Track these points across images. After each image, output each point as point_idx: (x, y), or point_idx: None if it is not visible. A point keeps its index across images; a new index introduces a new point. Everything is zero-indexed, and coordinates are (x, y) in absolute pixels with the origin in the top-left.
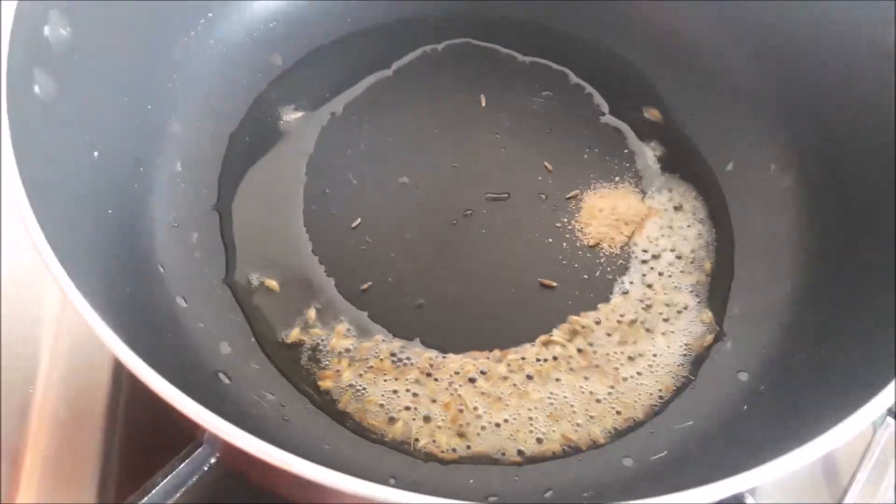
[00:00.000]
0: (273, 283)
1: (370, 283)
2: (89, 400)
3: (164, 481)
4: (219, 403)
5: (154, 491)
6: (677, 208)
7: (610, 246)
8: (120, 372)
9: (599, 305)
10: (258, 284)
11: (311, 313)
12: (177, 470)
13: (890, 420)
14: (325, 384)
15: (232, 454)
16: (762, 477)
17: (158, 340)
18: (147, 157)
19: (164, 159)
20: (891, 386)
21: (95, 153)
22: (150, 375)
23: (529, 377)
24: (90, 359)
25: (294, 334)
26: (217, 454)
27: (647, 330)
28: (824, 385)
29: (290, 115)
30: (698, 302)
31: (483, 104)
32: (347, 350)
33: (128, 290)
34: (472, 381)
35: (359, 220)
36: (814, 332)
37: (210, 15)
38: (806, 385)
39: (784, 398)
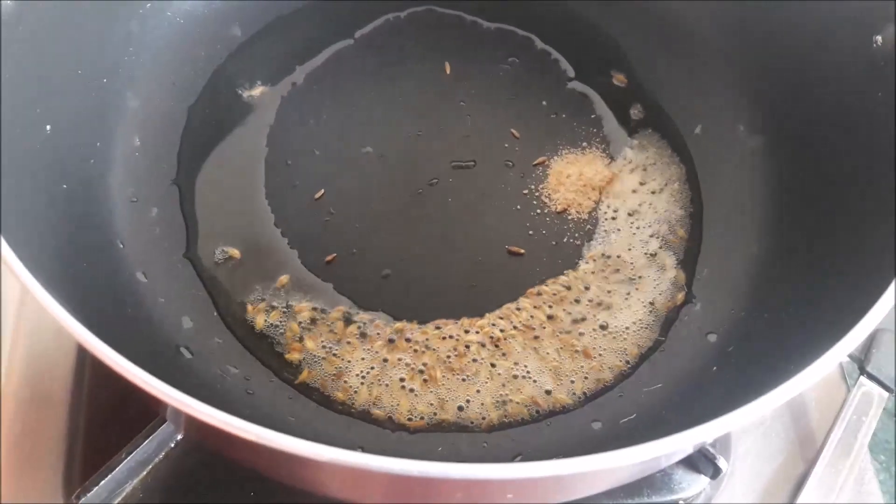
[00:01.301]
0: (235, 255)
1: (335, 254)
2: (53, 381)
3: (128, 458)
4: (181, 378)
5: (118, 468)
6: (645, 172)
7: (577, 212)
8: (84, 352)
9: (567, 271)
10: (220, 258)
11: (275, 286)
12: (141, 447)
13: (864, 380)
14: (291, 356)
15: (196, 429)
16: (725, 426)
17: (119, 317)
18: (104, 131)
19: (122, 134)
20: (849, 337)
21: (48, 127)
22: (108, 353)
23: (497, 345)
24: (54, 340)
25: (257, 308)
26: (182, 430)
27: (616, 295)
28: (789, 344)
29: (251, 87)
30: (667, 265)
31: (448, 72)
32: (312, 322)
33: (86, 266)
34: (438, 350)
35: (322, 191)
36: (780, 292)
37: None
38: (772, 344)
39: (751, 358)
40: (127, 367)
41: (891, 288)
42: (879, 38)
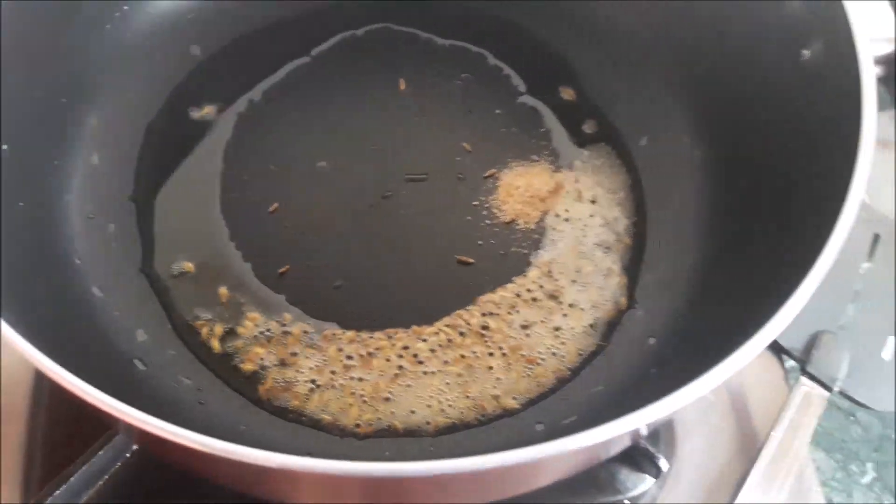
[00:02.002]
0: (190, 269)
1: (287, 266)
2: (12, 390)
3: (80, 471)
4: (134, 390)
5: (69, 482)
6: (592, 183)
7: (525, 222)
8: None
9: (514, 279)
10: (175, 272)
11: (229, 298)
12: (97, 456)
13: (805, 380)
14: (243, 366)
15: (149, 441)
16: (656, 413)
17: (74, 331)
18: (62, 149)
19: (80, 152)
20: (772, 323)
21: (4, 147)
22: (56, 370)
23: (446, 351)
24: (12, 353)
25: (209, 320)
26: (135, 442)
27: (561, 301)
28: (724, 343)
29: (209, 105)
30: (612, 273)
31: (402, 87)
32: (264, 333)
33: (42, 281)
34: (388, 358)
35: (276, 205)
36: (716, 295)
37: (126, 8)
38: (708, 345)
39: (688, 358)
40: (76, 384)
41: (808, 281)
42: (807, 52)
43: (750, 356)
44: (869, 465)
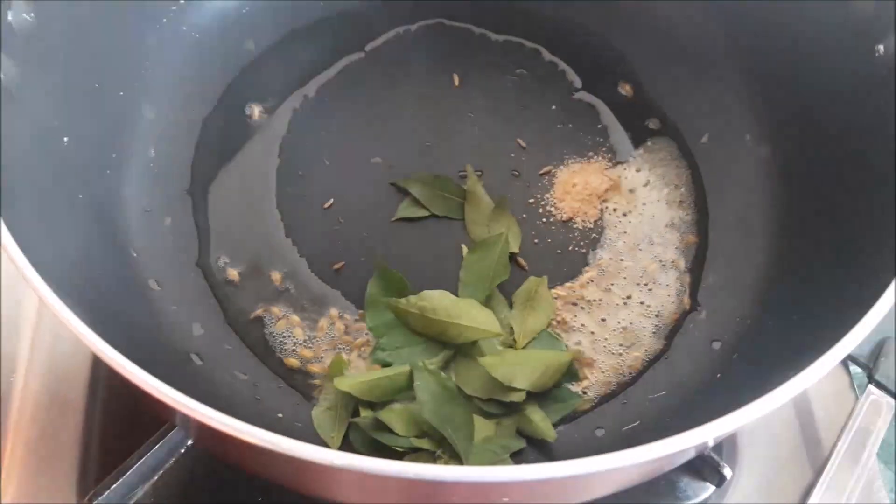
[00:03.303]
0: (246, 265)
1: (343, 262)
2: (70, 386)
3: (140, 462)
4: (191, 384)
5: (130, 472)
6: (651, 181)
7: (583, 220)
8: (99, 358)
9: (573, 279)
10: (231, 267)
11: (284, 293)
12: (152, 451)
13: (873, 389)
14: (298, 363)
15: (205, 435)
16: (724, 427)
17: (131, 324)
18: (119, 142)
19: (137, 145)
20: (848, 337)
21: (65, 139)
22: (119, 360)
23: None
24: (71, 345)
25: (267, 315)
26: (192, 436)
27: (621, 302)
28: (794, 350)
29: (263, 100)
30: (672, 273)
31: (456, 83)
32: (321, 329)
33: (101, 274)
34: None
35: (332, 200)
36: (785, 299)
37: (182, 2)
38: (777, 351)
39: (756, 365)
40: (137, 374)
41: (889, 290)
42: (881, 47)
43: (823, 371)
44: None
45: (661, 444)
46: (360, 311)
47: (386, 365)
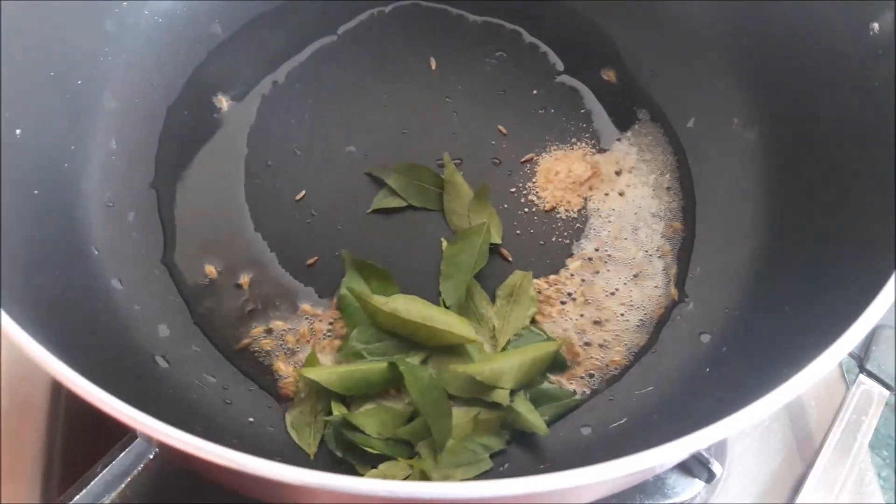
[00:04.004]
0: (214, 261)
1: (316, 257)
2: (32, 389)
3: (105, 471)
4: (156, 389)
5: (94, 481)
6: (636, 168)
7: (567, 210)
8: None
9: (557, 271)
10: (198, 263)
11: (254, 291)
12: (118, 459)
13: (864, 378)
14: (271, 363)
15: (167, 450)
16: (718, 433)
17: (92, 327)
18: (79, 134)
19: (98, 136)
20: (848, 334)
21: (17, 132)
22: (74, 379)
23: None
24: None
25: (236, 313)
26: (155, 449)
27: (607, 294)
28: (786, 344)
29: (231, 86)
30: (659, 263)
31: (433, 67)
32: (293, 327)
33: (58, 274)
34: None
35: (303, 192)
36: (776, 290)
37: None
38: (768, 344)
39: (746, 358)
40: (92, 392)
41: (890, 283)
42: (876, 25)
43: (822, 372)
44: None
45: (650, 453)
46: (335, 309)
47: (358, 357)
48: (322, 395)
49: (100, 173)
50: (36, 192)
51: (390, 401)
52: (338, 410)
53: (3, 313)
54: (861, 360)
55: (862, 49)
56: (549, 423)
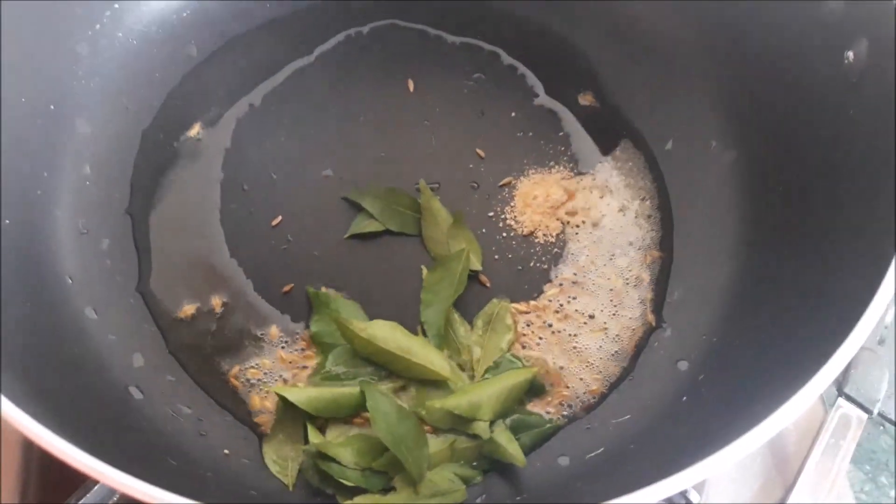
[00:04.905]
0: (189, 289)
1: (292, 284)
2: (7, 428)
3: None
4: (129, 421)
5: None
6: (615, 191)
7: (545, 234)
8: None
9: (535, 296)
10: (173, 291)
11: (230, 319)
12: (92, 491)
13: (842, 402)
14: (249, 395)
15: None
16: (702, 473)
17: (63, 357)
18: (52, 160)
19: (71, 162)
20: (831, 363)
21: None
22: (30, 426)
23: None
24: None
25: (212, 342)
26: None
27: (584, 320)
28: (764, 372)
29: (206, 109)
30: (637, 288)
31: (411, 89)
32: (268, 356)
33: (30, 305)
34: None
35: (279, 217)
36: (754, 316)
37: (116, 6)
38: (746, 372)
39: (724, 387)
40: (58, 445)
41: (871, 310)
42: (851, 53)
43: (803, 406)
44: None
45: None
46: (309, 338)
47: (331, 380)
48: (297, 421)
49: (73, 200)
50: (7, 221)
51: (369, 428)
52: (315, 439)
53: None
54: (839, 383)
55: (837, 77)
56: (527, 452)
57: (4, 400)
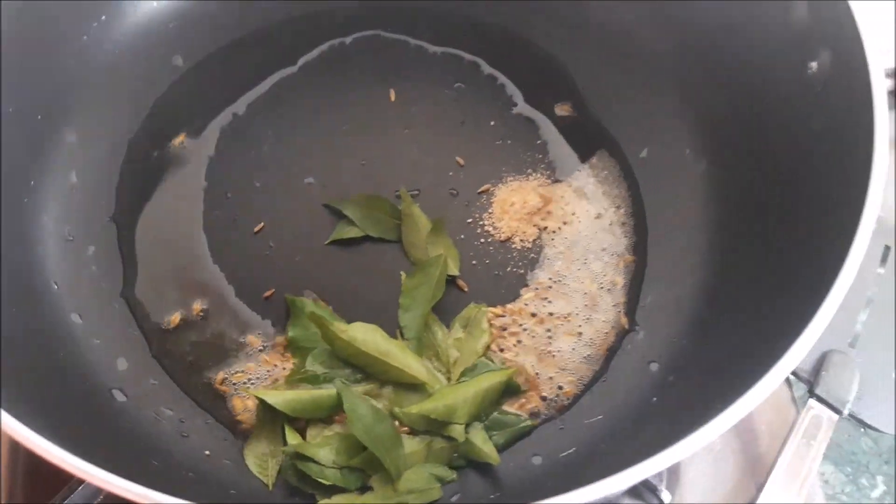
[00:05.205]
0: (172, 293)
1: (273, 289)
2: None
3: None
4: (112, 424)
5: None
6: (591, 197)
7: (521, 240)
8: None
9: (511, 300)
10: (156, 296)
11: (212, 323)
12: (77, 492)
13: (813, 402)
14: (230, 397)
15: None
16: (664, 461)
17: (48, 360)
18: (39, 168)
19: (58, 170)
20: (787, 356)
21: None
22: (19, 430)
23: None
24: None
25: (194, 346)
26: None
27: (559, 323)
28: (730, 372)
29: (192, 119)
30: (611, 293)
31: (393, 98)
32: (249, 360)
33: (16, 311)
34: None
35: (262, 224)
36: (721, 319)
37: (103, 17)
38: (712, 373)
39: (691, 387)
40: (43, 445)
41: (826, 304)
42: (814, 63)
43: (761, 396)
44: (879, 479)
45: (594, 487)
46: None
47: (309, 381)
48: (276, 423)
49: (60, 207)
50: None
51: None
52: (293, 439)
53: None
54: (811, 384)
55: (802, 86)
56: (501, 450)
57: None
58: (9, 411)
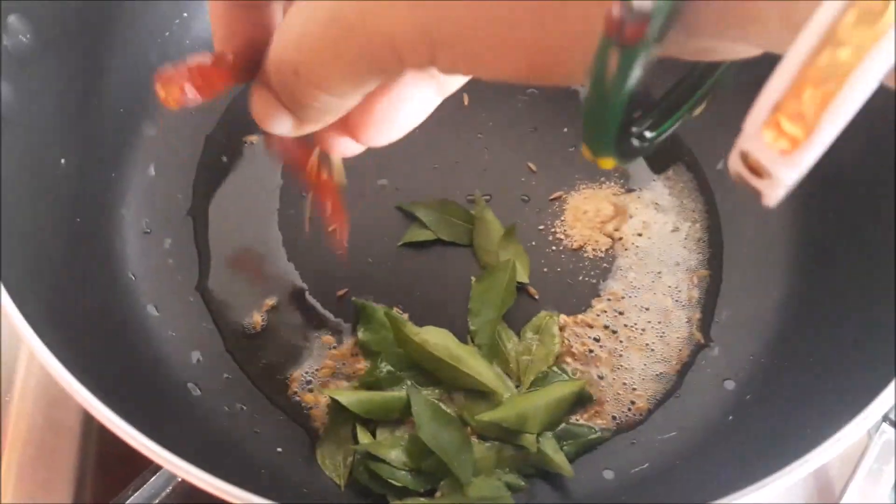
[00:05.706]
0: (246, 290)
1: (346, 288)
2: (65, 409)
3: (136, 494)
4: (187, 417)
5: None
6: (665, 208)
7: (594, 249)
8: None
9: (582, 310)
10: (231, 292)
11: (285, 321)
12: (149, 482)
13: (886, 427)
14: (301, 394)
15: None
16: (747, 496)
17: (125, 352)
18: (119, 162)
19: (138, 164)
20: (885, 393)
21: (62, 160)
22: (103, 412)
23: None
24: None
25: (268, 342)
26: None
27: (632, 335)
28: (813, 395)
29: None
30: (685, 307)
31: (466, 103)
32: (321, 359)
33: (96, 301)
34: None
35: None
36: (804, 339)
37: (185, 15)
38: (794, 394)
39: (771, 408)
40: (118, 424)
41: None
42: None
43: (849, 438)
44: None
45: None
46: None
47: (380, 382)
48: (348, 422)
49: (138, 200)
50: (78, 219)
51: None
52: (364, 439)
53: (39, 341)
54: None
55: (886, 108)
56: (571, 461)
57: (84, 390)
58: (102, 400)
